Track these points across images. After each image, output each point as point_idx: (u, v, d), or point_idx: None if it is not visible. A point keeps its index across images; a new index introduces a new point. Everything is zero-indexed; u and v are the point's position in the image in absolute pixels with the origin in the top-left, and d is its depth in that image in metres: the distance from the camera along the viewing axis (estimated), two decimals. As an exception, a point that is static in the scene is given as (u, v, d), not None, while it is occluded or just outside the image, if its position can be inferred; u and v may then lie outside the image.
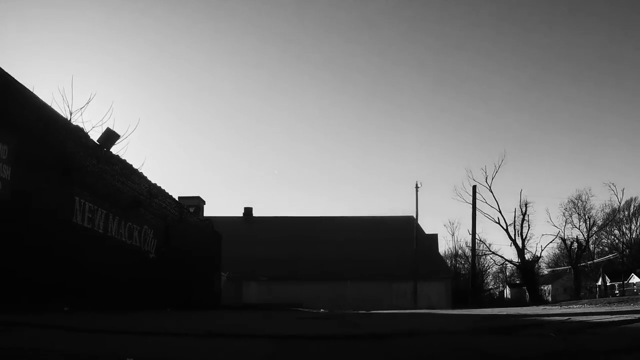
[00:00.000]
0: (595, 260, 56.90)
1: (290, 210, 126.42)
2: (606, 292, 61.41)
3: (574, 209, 58.03)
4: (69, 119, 11.63)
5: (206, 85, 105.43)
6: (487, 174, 54.87)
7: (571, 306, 17.31)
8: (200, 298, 22.81)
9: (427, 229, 52.27)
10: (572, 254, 53.81)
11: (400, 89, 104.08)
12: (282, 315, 13.85)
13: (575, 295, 51.83)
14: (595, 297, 53.57)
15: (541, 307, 20.55)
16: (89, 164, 12.99)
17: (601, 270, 62.20)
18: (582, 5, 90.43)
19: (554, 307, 17.17)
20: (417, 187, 43.72)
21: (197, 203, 25.87)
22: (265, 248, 44.14)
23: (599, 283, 63.38)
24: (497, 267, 70.16)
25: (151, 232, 17.02)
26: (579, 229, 56.68)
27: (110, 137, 14.24)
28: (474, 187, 44.29)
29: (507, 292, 79.65)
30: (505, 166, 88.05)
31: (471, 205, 43.85)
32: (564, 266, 70.57)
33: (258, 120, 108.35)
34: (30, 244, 10.29)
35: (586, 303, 19.16)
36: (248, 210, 53.86)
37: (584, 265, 54.81)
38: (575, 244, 53.35)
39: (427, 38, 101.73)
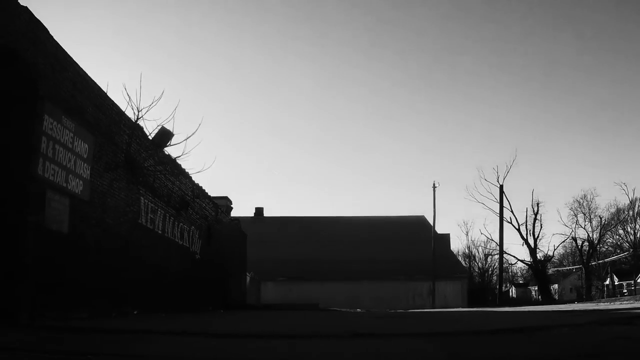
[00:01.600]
0: (606, 260, 56.96)
1: (295, 210, 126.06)
2: (614, 291, 61.58)
3: (579, 209, 58.25)
4: (136, 117, 11.44)
5: (216, 84, 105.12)
6: (499, 173, 54.81)
7: (617, 302, 17.29)
8: (234, 298, 22.68)
9: (439, 229, 52.12)
10: (582, 254, 53.94)
11: (407, 88, 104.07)
12: (359, 315, 13.69)
13: (587, 294, 51.94)
14: (604, 297, 53.74)
15: (585, 304, 20.44)
16: (148, 164, 12.83)
17: (609, 269, 62.35)
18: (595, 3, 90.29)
19: (607, 304, 17.11)
20: (434, 186, 43.62)
21: (225, 203, 25.68)
22: (279, 248, 43.93)
23: (607, 282, 63.55)
24: (509, 266, 70.25)
25: (197, 232, 16.88)
26: (584, 228, 56.92)
27: (164, 136, 14.05)
28: (501, 187, 44.03)
29: (512, 291, 79.77)
30: (517, 166, 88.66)
31: (498, 205, 43.89)
32: (569, 265, 70.78)
33: (268, 119, 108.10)
34: (108, 247, 10.13)
35: (628, 300, 19.11)
36: (259, 210, 53.63)
37: (594, 264, 54.89)
38: (587, 244, 53.49)
39: (440, 37, 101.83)
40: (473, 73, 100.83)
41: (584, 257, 53.76)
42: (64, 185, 8.66)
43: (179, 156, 12.49)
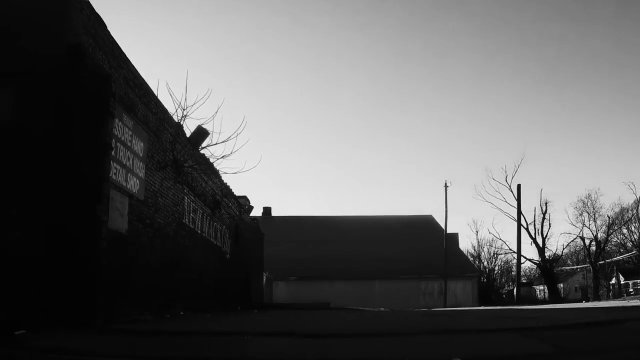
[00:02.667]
0: (613, 259, 57.01)
1: (300, 209, 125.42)
2: (620, 290, 61.64)
3: (583, 208, 58.31)
4: (182, 116, 11.30)
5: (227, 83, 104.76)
6: (507, 173, 54.80)
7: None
8: (255, 297, 22.56)
9: (448, 228, 52.01)
10: (590, 253, 53.97)
11: (413, 87, 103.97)
12: (395, 314, 13.53)
13: (594, 293, 51.98)
14: (609, 296, 53.82)
15: (610, 302, 20.37)
16: (188, 164, 12.70)
17: (615, 268, 62.41)
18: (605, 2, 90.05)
19: (636, 301, 17.07)
20: (445, 185, 43.64)
21: (244, 202, 25.53)
22: (288, 247, 43.80)
23: (613, 281, 63.62)
24: (512, 266, 70.18)
25: (227, 232, 16.76)
26: (589, 228, 56.97)
27: (201, 135, 13.93)
28: (519, 187, 43.73)
29: (516, 290, 79.72)
30: (524, 164, 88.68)
31: (505, 204, 43.72)
32: (573, 265, 70.83)
33: (274, 118, 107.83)
34: (160, 247, 10.00)
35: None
36: (267, 210, 53.47)
37: (602, 263, 54.90)
38: (594, 243, 53.51)
39: (447, 37, 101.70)
40: (481, 72, 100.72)
41: (592, 257, 53.77)
42: (124, 184, 8.53)
43: (224, 156, 12.33)
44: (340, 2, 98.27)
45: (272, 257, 40.04)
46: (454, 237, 51.45)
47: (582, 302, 40.05)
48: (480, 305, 37.66)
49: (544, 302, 49.88)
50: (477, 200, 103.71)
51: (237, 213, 19.87)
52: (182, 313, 10.96)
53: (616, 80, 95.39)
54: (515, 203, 57.12)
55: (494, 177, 67.30)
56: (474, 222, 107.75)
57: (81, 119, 7.22)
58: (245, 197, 26.79)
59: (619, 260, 63.86)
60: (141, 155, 9.29)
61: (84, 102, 7.28)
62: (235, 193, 19.35)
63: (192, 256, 12.23)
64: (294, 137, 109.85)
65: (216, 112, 13.01)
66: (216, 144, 12.95)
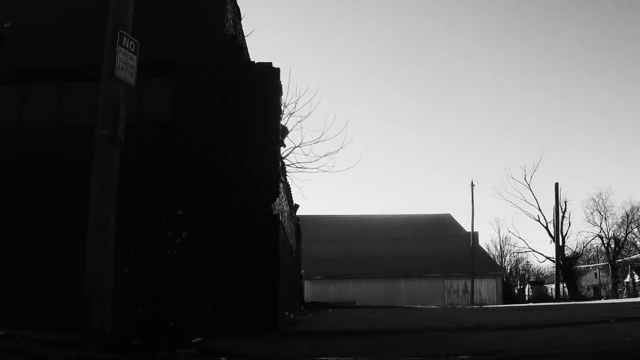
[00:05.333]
0: (631, 257, 57.17)
1: (321, 209, 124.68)
2: (634, 288, 61.80)
3: (594, 207, 58.54)
4: (289, 113, 11.20)
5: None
6: (526, 172, 54.91)
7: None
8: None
9: (466, 227, 52.03)
10: (609, 251, 54.13)
11: (430, 84, 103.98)
12: (496, 309, 13.53)
13: (613, 291, 52.16)
14: (625, 294, 53.97)
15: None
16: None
17: (629, 267, 62.55)
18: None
19: None
20: (472, 184, 43.64)
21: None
22: (313, 247, 43.78)
23: (627, 280, 63.79)
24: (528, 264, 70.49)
25: (294, 230, 16.66)
26: (600, 226, 57.19)
27: (282, 132, 13.81)
28: (557, 185, 43.65)
29: (528, 289, 79.97)
30: (543, 164, 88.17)
31: (525, 203, 43.72)
32: (584, 263, 70.98)
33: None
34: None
35: None
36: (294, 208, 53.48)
37: (619, 261, 55.11)
38: (612, 241, 53.69)
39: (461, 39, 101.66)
40: (497, 68, 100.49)
41: (610, 255, 53.98)
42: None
43: (333, 152, 12.23)
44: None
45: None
46: (475, 236, 51.53)
47: (600, 299, 40.15)
48: (506, 303, 37.71)
49: (564, 299, 49.99)
50: (494, 199, 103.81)
51: (289, 210, 19.78)
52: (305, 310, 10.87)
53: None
54: (533, 201, 56.98)
55: (513, 175, 67.64)
56: (496, 220, 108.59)
57: (248, 117, 7.11)
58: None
59: (631, 259, 64.00)
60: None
61: (250, 99, 7.16)
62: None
63: (285, 256, 12.14)
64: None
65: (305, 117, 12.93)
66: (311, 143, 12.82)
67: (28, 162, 7.35)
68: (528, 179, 49.02)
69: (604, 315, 8.09)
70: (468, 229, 50.98)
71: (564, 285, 56.46)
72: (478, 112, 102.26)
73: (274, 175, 7.15)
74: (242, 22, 8.48)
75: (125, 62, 5.31)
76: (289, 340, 6.41)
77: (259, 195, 7.00)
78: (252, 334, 6.56)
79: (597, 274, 69.75)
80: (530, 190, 49.87)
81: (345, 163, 73.40)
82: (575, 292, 52.24)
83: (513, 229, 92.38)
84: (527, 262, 76.96)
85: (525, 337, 6.15)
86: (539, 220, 51.24)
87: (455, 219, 53.95)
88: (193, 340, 6.16)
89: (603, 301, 25.60)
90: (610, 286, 55.47)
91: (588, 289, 74.70)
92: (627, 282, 64.24)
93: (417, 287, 41.16)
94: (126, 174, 5.54)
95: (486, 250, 56.53)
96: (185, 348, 5.34)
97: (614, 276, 53.85)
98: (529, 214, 53.10)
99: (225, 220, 6.97)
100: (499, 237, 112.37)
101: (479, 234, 56.66)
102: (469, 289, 41.76)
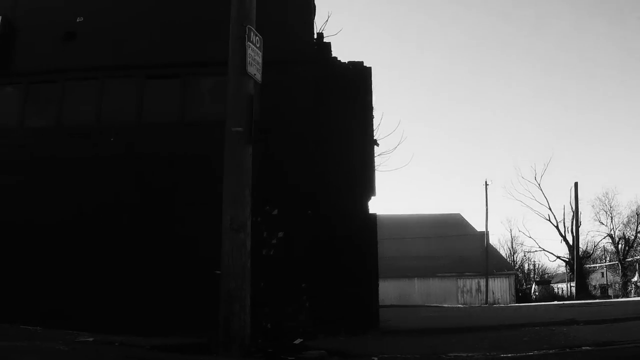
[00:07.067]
0: (636, 257, 57.31)
1: None
2: (641, 288, 61.84)
3: (600, 206, 58.64)
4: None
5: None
6: (536, 171, 54.90)
7: None
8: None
9: (477, 226, 52.12)
10: (619, 251, 54.24)
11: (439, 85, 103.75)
12: (550, 307, 13.49)
13: (623, 290, 52.26)
14: (632, 293, 54.05)
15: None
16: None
17: (637, 265, 62.65)
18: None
19: None
20: (486, 184, 43.56)
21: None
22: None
23: (635, 279, 63.91)
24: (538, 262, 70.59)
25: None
26: (606, 225, 57.29)
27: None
28: (576, 184, 43.53)
29: (534, 288, 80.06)
30: (553, 163, 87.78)
31: (535, 202, 43.69)
32: (591, 262, 71.08)
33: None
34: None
35: None
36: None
37: (630, 260, 55.23)
38: (622, 241, 53.79)
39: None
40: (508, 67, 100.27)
41: (620, 254, 54.11)
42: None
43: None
44: None
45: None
46: (487, 235, 51.50)
47: (609, 299, 40.19)
48: (519, 302, 37.72)
49: (570, 298, 50.01)
50: (504, 198, 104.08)
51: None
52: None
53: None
54: (544, 201, 57.06)
55: (523, 175, 67.83)
56: (507, 220, 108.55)
57: (343, 115, 6.96)
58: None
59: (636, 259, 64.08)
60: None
61: (343, 97, 7.01)
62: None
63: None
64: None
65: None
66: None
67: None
68: (538, 179, 48.92)
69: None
70: (478, 228, 51.01)
71: (571, 285, 56.52)
72: (488, 112, 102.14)
73: (370, 174, 7.00)
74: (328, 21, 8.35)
75: (253, 57, 5.15)
76: (396, 339, 6.27)
77: (357, 195, 6.85)
78: (353, 334, 6.42)
79: (605, 273, 69.84)
80: (541, 189, 50.02)
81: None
82: (585, 291, 52.29)
83: (524, 228, 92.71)
84: (534, 261, 76.90)
85: (621, 329, 6.16)
86: (549, 220, 51.31)
87: (465, 218, 53.95)
88: (295, 342, 6.02)
89: (632, 298, 25.52)
90: (618, 285, 55.58)
91: (595, 288, 74.85)
92: (635, 281, 64.37)
93: (431, 287, 41.14)
94: (220, 174, 5.39)
95: (498, 249, 56.53)
96: (313, 350, 5.18)
97: (624, 275, 53.93)
98: (539, 214, 53.16)
99: (321, 219, 6.82)
100: (511, 237, 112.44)
101: (488, 234, 56.75)
102: (482, 288, 41.74)
